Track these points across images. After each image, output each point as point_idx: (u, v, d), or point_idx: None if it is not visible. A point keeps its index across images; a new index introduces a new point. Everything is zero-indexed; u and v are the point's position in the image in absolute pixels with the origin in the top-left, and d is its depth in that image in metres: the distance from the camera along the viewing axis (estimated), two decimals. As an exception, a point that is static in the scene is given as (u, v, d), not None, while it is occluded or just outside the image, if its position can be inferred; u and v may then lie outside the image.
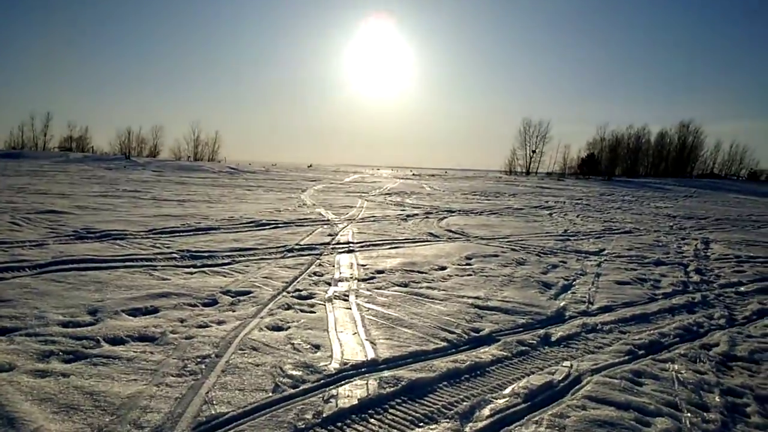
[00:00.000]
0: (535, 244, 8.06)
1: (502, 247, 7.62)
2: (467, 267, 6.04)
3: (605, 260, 7.00)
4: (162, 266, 5.22)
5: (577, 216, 13.31)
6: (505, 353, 3.36)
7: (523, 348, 3.48)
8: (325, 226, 8.86)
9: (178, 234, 7.22)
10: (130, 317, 3.59)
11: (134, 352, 2.97)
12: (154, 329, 3.34)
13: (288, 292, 4.51)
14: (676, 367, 3.29)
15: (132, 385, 2.53)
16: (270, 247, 6.56)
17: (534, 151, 62.33)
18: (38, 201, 10.44)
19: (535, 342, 3.60)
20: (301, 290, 4.59)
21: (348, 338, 3.44)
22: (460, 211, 13.27)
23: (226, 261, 5.66)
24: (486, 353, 3.33)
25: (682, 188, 34.56)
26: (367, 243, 7.40)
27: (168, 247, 6.13)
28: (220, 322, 3.58)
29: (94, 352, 2.92)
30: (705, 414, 2.67)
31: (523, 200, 18.48)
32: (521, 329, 3.88)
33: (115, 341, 3.12)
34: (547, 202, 18.10)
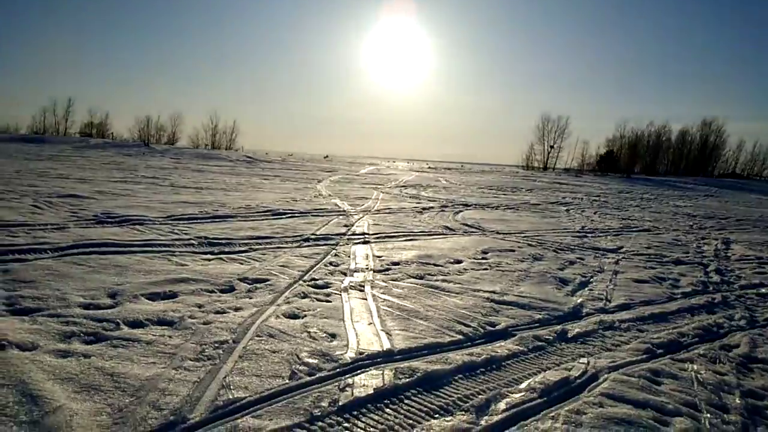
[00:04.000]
0: (551, 240, 7.99)
1: (519, 242, 7.56)
2: (483, 261, 6.01)
3: (623, 258, 6.91)
4: (180, 252, 5.27)
5: (595, 213, 13.16)
6: (521, 348, 3.34)
7: (540, 343, 3.46)
8: (341, 217, 8.87)
9: (195, 221, 7.28)
10: (149, 301, 3.63)
11: (153, 335, 3.01)
12: (173, 314, 3.38)
13: (304, 281, 4.53)
14: (695, 367, 3.24)
15: (151, 368, 2.57)
16: (286, 236, 6.58)
17: (552, 147, 61.64)
18: (59, 185, 10.59)
19: (551, 338, 3.58)
20: (317, 279, 4.61)
21: (363, 328, 3.44)
22: (476, 205, 13.20)
23: (243, 249, 5.69)
24: (502, 347, 3.32)
25: (702, 187, 33.99)
26: (383, 234, 7.40)
27: (186, 234, 6.18)
28: (237, 309, 3.61)
29: (114, 335, 2.96)
30: (725, 415, 2.63)
31: (540, 196, 18.32)
32: (537, 324, 3.86)
33: (135, 324, 3.16)
34: (564, 198, 17.92)
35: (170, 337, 3.00)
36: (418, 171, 36.47)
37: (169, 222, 6.98)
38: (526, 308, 4.22)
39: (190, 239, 5.89)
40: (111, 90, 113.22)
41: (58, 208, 7.48)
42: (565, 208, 13.89)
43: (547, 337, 3.58)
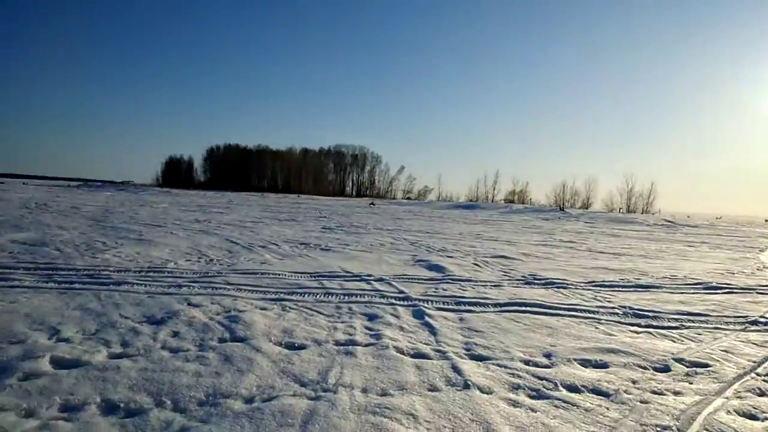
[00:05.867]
0: None
1: None
2: None
3: None
4: (605, 320, 5.24)
5: None
6: None
7: None
8: (803, 298, 7.08)
9: (617, 288, 7.13)
10: (582, 367, 3.73)
11: (590, 403, 3.06)
12: (607, 385, 3.37)
13: (758, 375, 3.79)
14: None
15: (592, 437, 2.61)
16: (726, 316, 5.70)
17: None
18: (491, 246, 12.20)
19: None
20: (777, 376, 3.79)
21: None
22: None
23: (672, 324, 5.23)
24: None
25: None
26: None
27: (609, 301, 6.12)
28: (676, 393, 3.31)
29: (554, 394, 3.16)
30: None
31: None
32: None
33: (571, 388, 3.29)
34: None
35: (607, 408, 2.99)
36: None
37: (591, 288, 7.06)
38: None
39: (614, 308, 5.79)
40: (531, 160, 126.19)
41: (492, 267, 8.59)
42: None
43: None
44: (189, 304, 4.98)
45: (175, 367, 3.30)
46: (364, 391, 3.07)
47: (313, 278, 6.73)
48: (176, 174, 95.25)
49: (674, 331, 4.97)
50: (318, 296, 5.68)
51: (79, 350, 3.53)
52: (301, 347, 3.88)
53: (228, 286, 5.94)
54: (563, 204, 57.48)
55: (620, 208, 60.27)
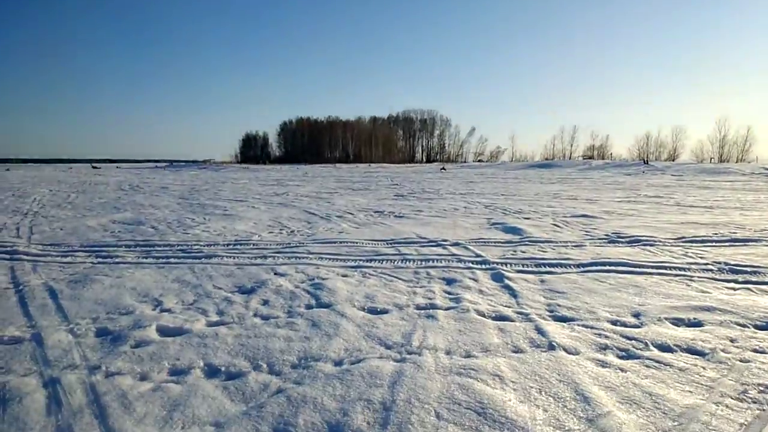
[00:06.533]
0: None
1: None
2: None
3: None
4: (698, 278, 4.97)
5: None
6: None
7: None
8: None
9: (710, 244, 6.71)
10: (673, 326, 3.58)
11: (684, 363, 2.95)
12: (702, 344, 3.22)
13: None
14: None
15: (688, 397, 2.53)
16: (839, 269, 5.23)
17: None
18: (571, 206, 11.81)
19: None
20: None
21: None
22: None
23: (775, 280, 4.87)
24: None
25: None
26: None
27: (701, 258, 5.78)
28: (779, 351, 3.12)
29: (644, 354, 3.07)
30: None
31: None
32: None
33: (663, 348, 3.18)
34: None
35: (703, 368, 2.88)
36: None
37: (680, 244, 6.69)
38: None
39: (707, 264, 5.46)
40: (612, 112, 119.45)
41: (573, 227, 8.33)
42: None
43: None
44: (275, 274, 5.23)
45: (267, 333, 3.51)
46: (448, 353, 3.13)
47: (390, 245, 6.83)
48: (253, 150, 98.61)
49: (778, 286, 4.64)
50: (396, 262, 5.77)
51: (180, 319, 3.83)
52: (384, 312, 3.99)
53: (310, 256, 6.17)
54: (647, 157, 54.17)
55: (711, 158, 55.93)
